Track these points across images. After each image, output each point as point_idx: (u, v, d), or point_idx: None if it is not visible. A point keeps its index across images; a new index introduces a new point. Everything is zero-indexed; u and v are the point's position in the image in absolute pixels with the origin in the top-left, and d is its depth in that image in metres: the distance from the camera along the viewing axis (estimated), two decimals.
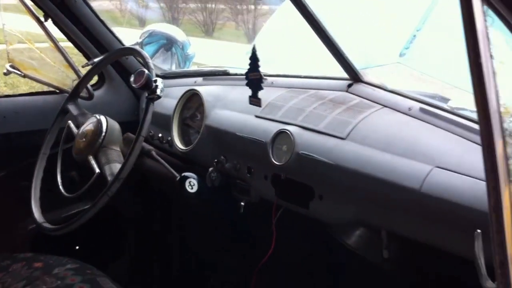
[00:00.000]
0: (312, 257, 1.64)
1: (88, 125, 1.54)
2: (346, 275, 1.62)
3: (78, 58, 2.06)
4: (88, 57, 1.93)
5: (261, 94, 1.55)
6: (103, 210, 1.42)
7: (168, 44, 2.11)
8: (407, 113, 1.34)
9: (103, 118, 1.54)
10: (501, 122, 0.79)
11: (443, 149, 1.20)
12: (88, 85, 1.89)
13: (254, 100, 1.49)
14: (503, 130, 0.79)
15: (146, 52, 1.61)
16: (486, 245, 0.83)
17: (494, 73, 0.79)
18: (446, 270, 1.37)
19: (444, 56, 1.51)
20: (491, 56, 0.78)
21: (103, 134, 1.49)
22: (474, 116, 1.11)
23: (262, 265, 1.60)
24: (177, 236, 1.89)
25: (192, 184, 1.47)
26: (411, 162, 1.21)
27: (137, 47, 1.73)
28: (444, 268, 1.37)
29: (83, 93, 1.87)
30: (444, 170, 1.15)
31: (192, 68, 2.24)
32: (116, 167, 1.43)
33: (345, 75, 1.56)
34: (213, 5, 10.62)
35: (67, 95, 1.80)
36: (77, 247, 1.92)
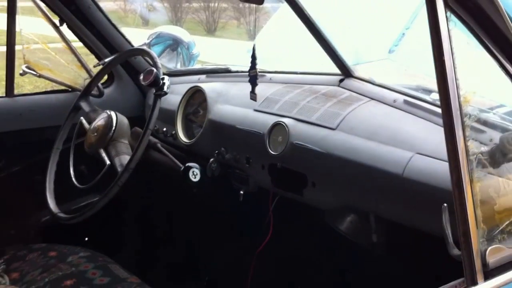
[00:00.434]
0: (307, 242, 1.75)
1: (100, 120, 1.65)
2: (339, 259, 1.72)
3: (87, 58, 2.18)
4: (99, 57, 2.05)
5: (259, 89, 1.66)
6: (110, 202, 1.51)
7: (174, 45, 2.22)
8: (392, 105, 1.45)
9: (113, 114, 1.64)
10: (461, 108, 0.91)
11: (423, 137, 1.31)
12: (99, 84, 2.01)
13: (252, 94, 1.60)
14: (462, 115, 0.91)
15: (154, 52, 1.73)
16: (452, 218, 0.94)
17: (455, 68, 0.90)
18: (430, 253, 1.47)
19: (429, 52, 1.61)
20: (452, 54, 0.90)
21: (113, 128, 1.60)
22: None
23: (261, 250, 1.71)
24: (180, 224, 2.00)
25: (195, 174, 1.58)
26: (394, 150, 1.32)
27: (146, 48, 1.84)
28: (429, 250, 1.46)
29: (94, 91, 1.99)
30: (424, 156, 1.26)
31: (196, 66, 2.35)
32: (126, 158, 1.54)
33: (338, 71, 1.68)
34: (216, 4, 10.69)
35: (79, 93, 1.92)
36: (86, 239, 2.01)
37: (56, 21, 1.95)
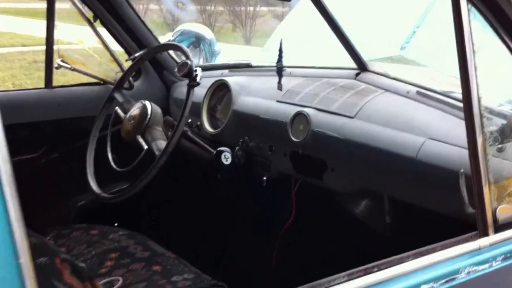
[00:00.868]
0: (326, 225, 1.89)
1: (136, 109, 1.78)
2: (354, 240, 1.86)
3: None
4: (128, 52, 2.19)
5: (281, 81, 1.80)
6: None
7: (196, 42, 2.37)
8: (405, 95, 1.59)
9: (147, 103, 1.77)
10: (478, 87, 1.08)
11: (434, 124, 1.46)
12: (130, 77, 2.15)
13: (279, 85, 1.76)
14: (478, 93, 1.08)
15: None
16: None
17: (474, 53, 1.08)
18: (441, 232, 1.61)
19: (438, 49, 1.76)
20: (472, 42, 1.07)
21: (149, 116, 1.73)
22: (460, 96, 1.36)
23: (284, 230, 1.85)
24: (206, 208, 2.14)
25: (226, 157, 1.71)
26: (408, 135, 1.46)
27: (178, 43, 1.98)
28: (439, 230, 1.60)
29: (125, 84, 2.13)
30: (436, 141, 1.40)
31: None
32: (161, 143, 1.68)
33: (354, 65, 1.82)
34: (212, 7, 10.70)
35: (111, 85, 2.06)
36: (115, 224, 2.14)
37: (91, 17, 2.10)
